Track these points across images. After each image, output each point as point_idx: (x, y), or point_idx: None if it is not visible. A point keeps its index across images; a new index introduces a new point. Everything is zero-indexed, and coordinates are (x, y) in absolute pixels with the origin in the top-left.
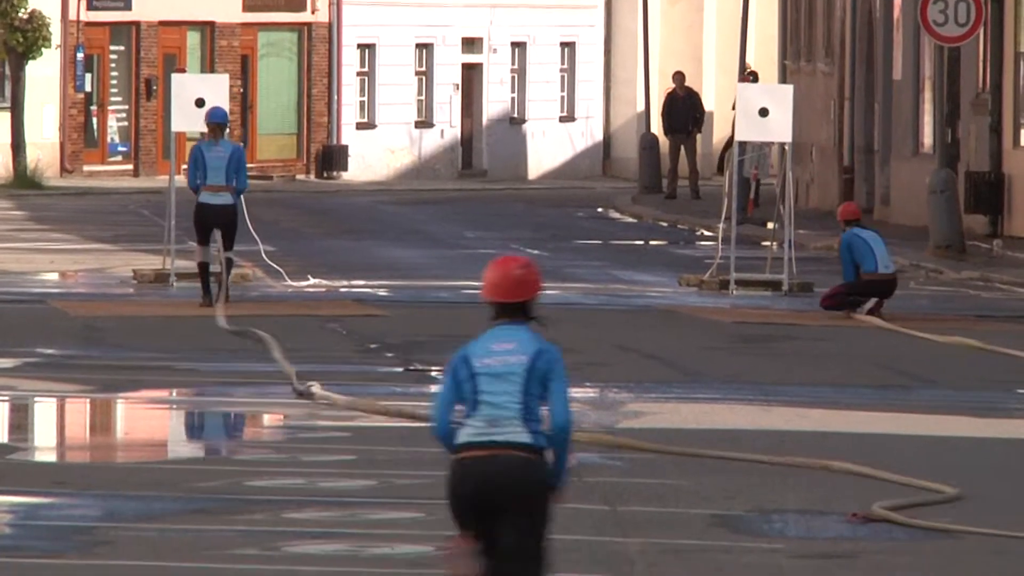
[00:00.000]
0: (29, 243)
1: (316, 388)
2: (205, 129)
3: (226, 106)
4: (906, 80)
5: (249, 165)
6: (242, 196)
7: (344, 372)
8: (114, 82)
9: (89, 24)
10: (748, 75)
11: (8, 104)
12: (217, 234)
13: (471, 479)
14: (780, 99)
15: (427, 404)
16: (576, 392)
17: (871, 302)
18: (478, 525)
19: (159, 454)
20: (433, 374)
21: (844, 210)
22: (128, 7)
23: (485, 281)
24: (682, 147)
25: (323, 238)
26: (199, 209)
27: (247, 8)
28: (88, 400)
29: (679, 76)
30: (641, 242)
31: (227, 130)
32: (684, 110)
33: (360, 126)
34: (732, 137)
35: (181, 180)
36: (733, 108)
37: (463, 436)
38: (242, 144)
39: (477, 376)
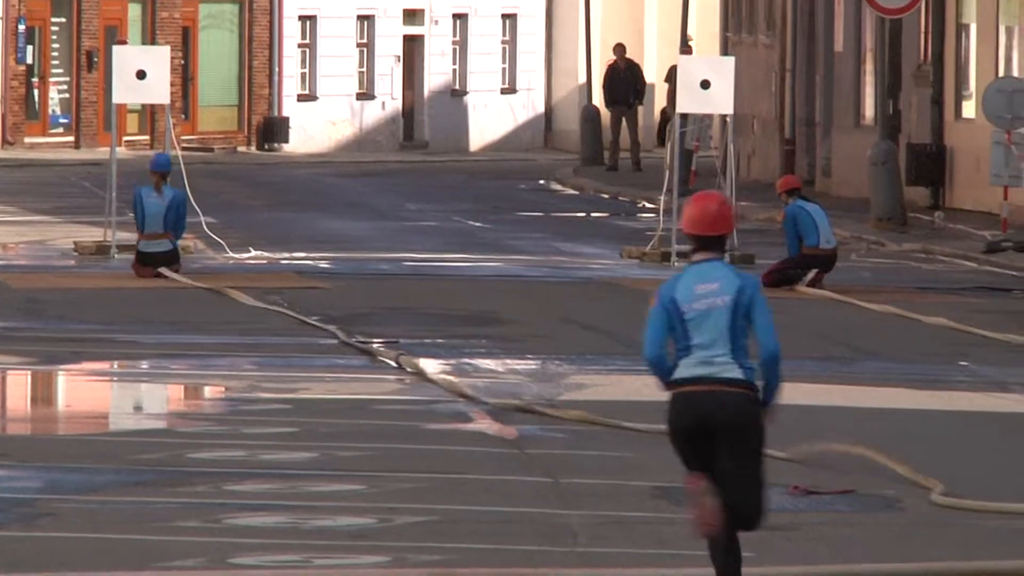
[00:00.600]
0: None
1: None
2: (145, 101)
3: (167, 77)
4: (847, 52)
5: (189, 137)
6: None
7: (286, 344)
8: (55, 54)
9: None
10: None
11: None
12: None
13: (690, 411)
14: (722, 71)
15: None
16: (518, 364)
17: (811, 273)
18: (697, 453)
19: (100, 426)
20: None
21: (784, 182)
22: None
23: (686, 217)
24: (623, 119)
25: (264, 210)
26: (139, 256)
27: None
28: (29, 372)
29: (620, 48)
30: (583, 214)
31: (168, 178)
32: (625, 82)
33: (301, 98)
34: (667, 109)
35: (122, 152)
36: (667, 80)
37: (681, 372)
38: (184, 191)
39: (687, 322)
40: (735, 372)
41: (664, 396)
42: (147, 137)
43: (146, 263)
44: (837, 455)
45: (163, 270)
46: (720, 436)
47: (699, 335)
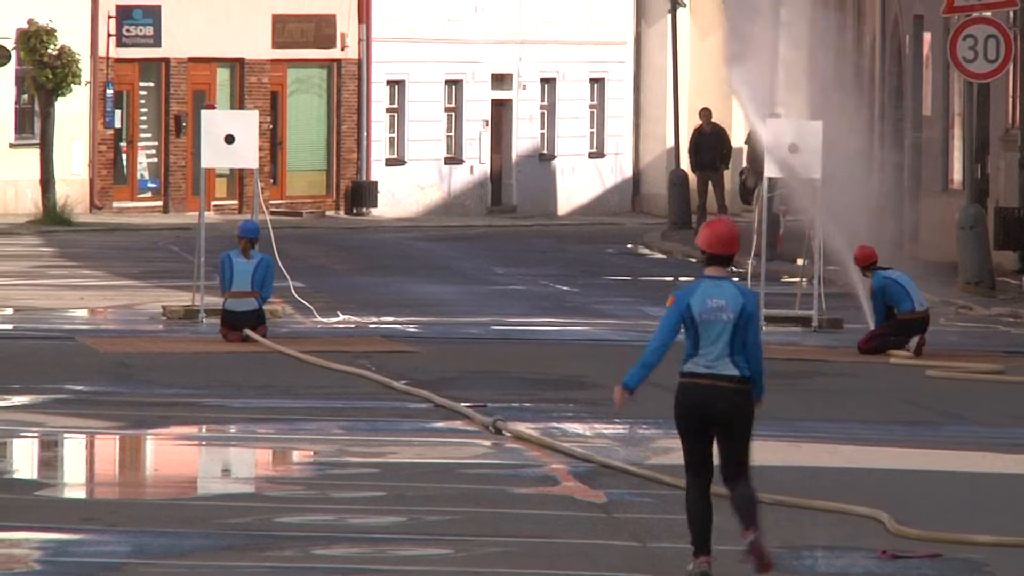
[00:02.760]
0: (58, 279)
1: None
2: (234, 165)
3: (255, 141)
4: (935, 116)
5: (277, 201)
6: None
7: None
8: (143, 118)
9: (118, 60)
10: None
11: (38, 140)
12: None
13: (694, 398)
14: (810, 135)
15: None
16: (606, 428)
17: (914, 340)
18: (697, 435)
19: (188, 490)
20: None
21: (862, 256)
22: (158, 44)
23: (702, 237)
24: (710, 183)
25: (352, 274)
26: (224, 317)
27: (277, 45)
28: (117, 436)
29: (706, 112)
30: (671, 279)
31: (257, 244)
32: (711, 146)
33: (389, 162)
34: (744, 170)
35: (211, 216)
36: (746, 142)
37: (690, 367)
38: (273, 255)
39: (698, 324)
40: (732, 370)
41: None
42: (235, 201)
43: (232, 323)
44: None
45: (248, 332)
46: (718, 419)
47: (706, 338)
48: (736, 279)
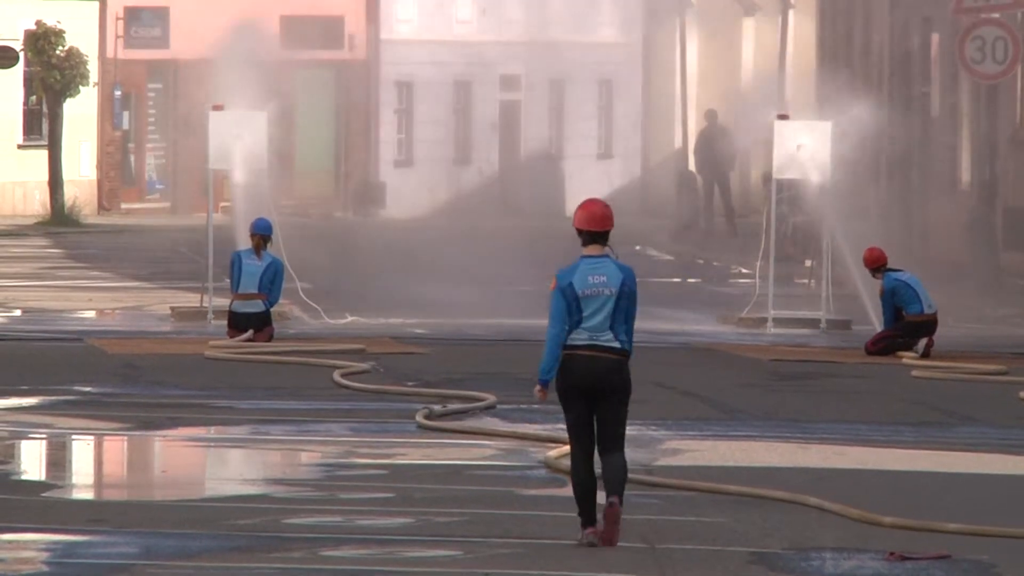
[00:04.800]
0: (67, 281)
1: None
2: (242, 168)
3: (264, 144)
4: (944, 117)
5: (287, 203)
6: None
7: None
8: (152, 120)
9: (126, 62)
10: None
11: (46, 142)
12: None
13: (578, 369)
14: (818, 135)
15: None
16: None
17: (922, 343)
18: (580, 404)
19: (196, 492)
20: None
21: (872, 258)
22: (165, 45)
23: (578, 216)
24: (716, 185)
25: (360, 276)
26: (230, 318)
27: (285, 46)
28: (126, 438)
29: (712, 114)
30: (679, 279)
31: (270, 242)
32: (717, 148)
33: (398, 163)
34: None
35: (219, 218)
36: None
37: (573, 340)
38: (281, 257)
39: (581, 300)
40: (613, 342)
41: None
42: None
43: (238, 324)
44: None
45: (216, 342)
46: (598, 389)
47: (588, 312)
48: (614, 256)
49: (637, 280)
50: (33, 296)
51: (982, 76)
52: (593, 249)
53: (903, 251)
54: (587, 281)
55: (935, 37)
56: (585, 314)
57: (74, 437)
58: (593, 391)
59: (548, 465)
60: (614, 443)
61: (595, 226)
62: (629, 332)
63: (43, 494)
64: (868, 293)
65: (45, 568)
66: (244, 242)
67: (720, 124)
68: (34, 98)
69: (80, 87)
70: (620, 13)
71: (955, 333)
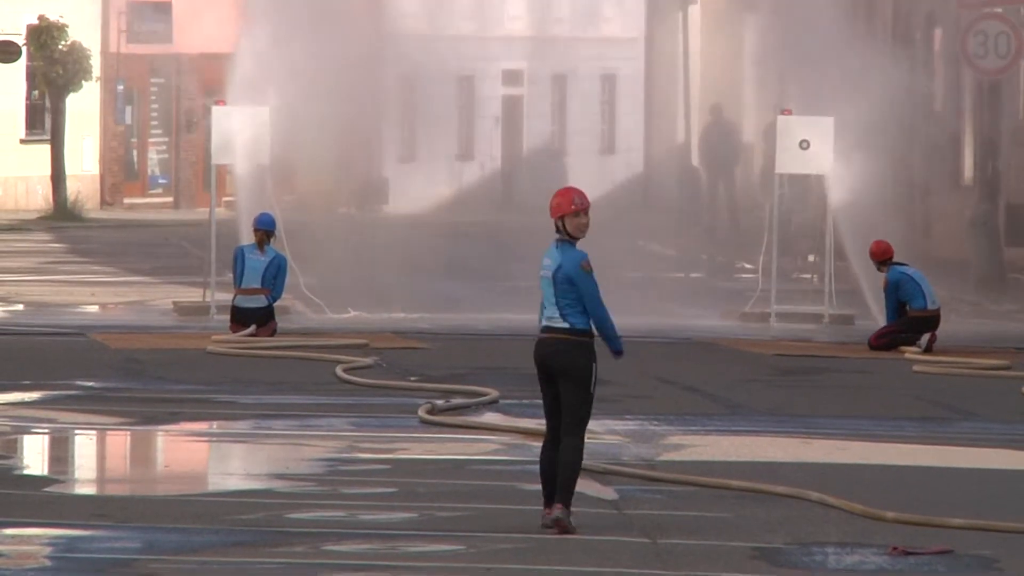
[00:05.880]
0: (69, 275)
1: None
2: (244, 163)
3: (267, 138)
4: (946, 112)
5: (288, 197)
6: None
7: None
8: (154, 114)
9: (129, 56)
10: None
11: (48, 136)
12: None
13: (536, 350)
14: (821, 131)
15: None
16: (617, 424)
17: (926, 337)
18: (544, 386)
19: (199, 486)
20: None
21: (878, 251)
22: (168, 39)
23: (552, 206)
24: (720, 179)
25: (363, 271)
26: (233, 312)
27: None
28: (128, 432)
29: (716, 109)
30: (682, 275)
31: (274, 238)
32: (721, 143)
33: (401, 159)
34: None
35: (222, 213)
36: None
37: (539, 322)
38: (284, 253)
39: (541, 281)
40: (562, 323)
41: None
42: None
43: (240, 319)
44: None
45: (217, 338)
46: (552, 369)
47: (545, 296)
48: (570, 243)
49: (641, 276)
50: (36, 291)
51: (985, 71)
52: (558, 236)
53: (905, 247)
54: (542, 265)
55: (937, 32)
56: (544, 299)
57: (76, 432)
58: (548, 372)
59: None
60: (567, 428)
61: (551, 214)
62: (587, 313)
63: (45, 489)
64: (870, 288)
65: (47, 563)
66: (248, 237)
67: (725, 119)
68: (36, 93)
69: (83, 82)
70: (623, 8)
71: (958, 328)
